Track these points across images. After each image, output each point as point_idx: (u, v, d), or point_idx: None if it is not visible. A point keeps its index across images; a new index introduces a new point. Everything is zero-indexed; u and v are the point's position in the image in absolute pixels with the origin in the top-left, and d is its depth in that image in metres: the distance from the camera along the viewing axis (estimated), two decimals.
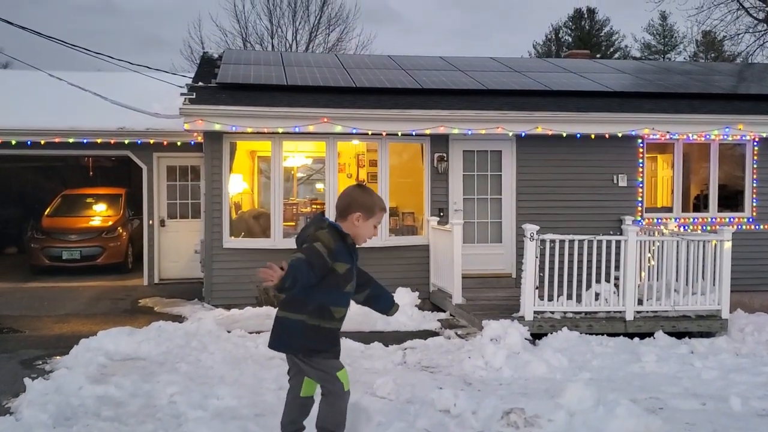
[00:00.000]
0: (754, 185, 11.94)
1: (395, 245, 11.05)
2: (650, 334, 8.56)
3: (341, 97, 11.02)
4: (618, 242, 8.84)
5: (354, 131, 10.58)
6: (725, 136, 11.52)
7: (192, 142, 12.52)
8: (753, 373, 7.10)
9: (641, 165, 11.67)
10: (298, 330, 3.96)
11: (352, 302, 4.23)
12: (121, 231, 14.53)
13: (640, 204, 11.63)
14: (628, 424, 4.64)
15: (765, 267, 11.69)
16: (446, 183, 11.34)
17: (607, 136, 11.25)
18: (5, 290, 12.22)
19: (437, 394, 5.60)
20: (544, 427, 4.62)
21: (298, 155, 13.02)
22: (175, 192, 13.41)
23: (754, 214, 11.94)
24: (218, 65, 12.64)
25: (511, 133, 11.10)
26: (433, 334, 8.82)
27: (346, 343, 7.12)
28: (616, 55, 45.69)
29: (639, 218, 11.47)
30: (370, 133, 10.72)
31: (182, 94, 10.49)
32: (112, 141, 12.69)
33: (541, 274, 8.61)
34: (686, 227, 11.62)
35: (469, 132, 10.88)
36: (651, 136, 11.42)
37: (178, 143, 12.72)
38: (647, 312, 8.85)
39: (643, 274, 9.01)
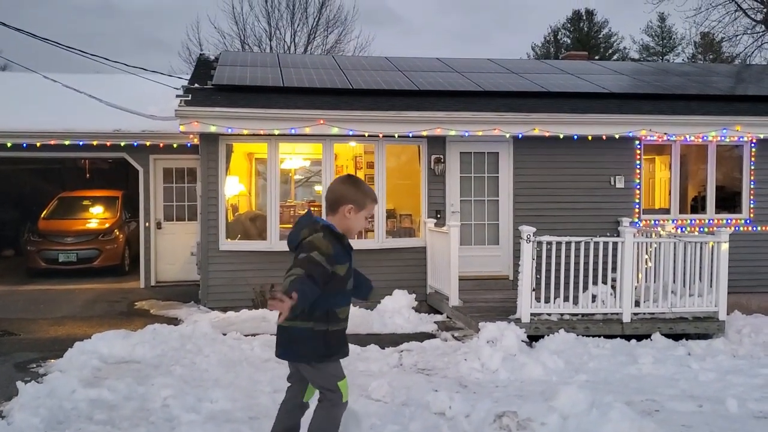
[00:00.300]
0: (752, 187, 11.93)
1: (392, 247, 11.03)
2: (647, 336, 8.54)
3: (338, 99, 11.00)
4: (615, 244, 8.83)
5: (350, 133, 10.57)
6: (723, 138, 11.52)
7: (188, 144, 12.51)
8: (750, 374, 7.09)
9: (638, 166, 11.65)
10: (308, 338, 3.86)
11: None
12: (117, 233, 14.52)
13: (637, 205, 11.61)
14: (622, 427, 4.59)
15: (762, 268, 11.67)
16: (443, 185, 11.31)
17: (604, 137, 11.24)
18: (1, 293, 12.20)
19: (432, 397, 5.58)
20: (536, 430, 4.59)
21: (295, 157, 12.99)
22: (172, 194, 13.42)
23: (752, 215, 11.93)
24: (215, 67, 12.62)
25: (508, 135, 11.09)
26: (430, 336, 8.81)
27: None
28: (615, 57, 45.68)
29: (636, 220, 11.45)
30: (366, 134, 10.69)
31: (178, 96, 10.47)
32: (109, 143, 12.68)
33: (538, 276, 8.58)
34: (683, 229, 11.61)
35: (466, 134, 10.86)
36: (648, 138, 11.41)
37: (175, 145, 12.72)
38: (644, 314, 8.83)
39: (640, 275, 8.98)
